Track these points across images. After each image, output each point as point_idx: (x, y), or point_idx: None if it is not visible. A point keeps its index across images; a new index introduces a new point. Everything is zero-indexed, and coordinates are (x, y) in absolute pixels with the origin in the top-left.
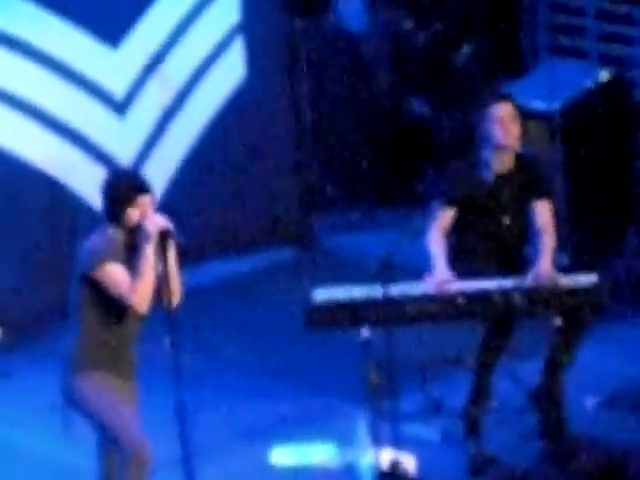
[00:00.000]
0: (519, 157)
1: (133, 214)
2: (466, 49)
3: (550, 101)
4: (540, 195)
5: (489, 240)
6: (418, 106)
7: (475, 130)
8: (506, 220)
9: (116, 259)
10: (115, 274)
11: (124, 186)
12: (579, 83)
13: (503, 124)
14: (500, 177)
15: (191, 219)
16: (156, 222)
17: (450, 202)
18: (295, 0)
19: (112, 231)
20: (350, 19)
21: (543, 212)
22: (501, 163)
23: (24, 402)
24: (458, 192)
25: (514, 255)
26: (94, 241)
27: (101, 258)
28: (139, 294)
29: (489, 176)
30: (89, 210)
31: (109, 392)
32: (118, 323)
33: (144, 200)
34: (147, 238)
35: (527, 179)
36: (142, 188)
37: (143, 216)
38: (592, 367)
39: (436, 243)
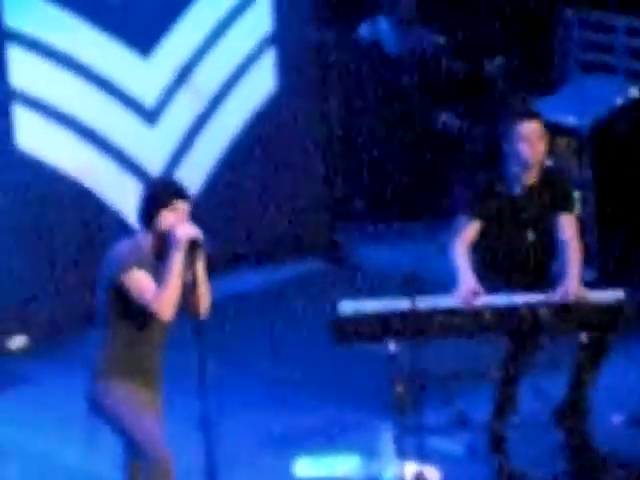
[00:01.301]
0: (546, 171)
1: (168, 218)
2: (499, 60)
3: (580, 117)
4: (565, 209)
5: (514, 255)
6: (448, 120)
7: (502, 144)
8: (531, 235)
9: (142, 266)
10: (140, 281)
11: (164, 188)
12: (609, 99)
13: (529, 142)
14: (526, 191)
15: (219, 229)
16: (186, 230)
17: (475, 215)
18: (327, 12)
19: (141, 237)
20: (381, 35)
21: (568, 226)
22: (527, 178)
23: (48, 409)
24: (483, 206)
25: (540, 270)
26: (121, 247)
27: (127, 264)
28: (163, 302)
29: (515, 190)
30: (118, 219)
31: (133, 401)
32: (144, 331)
33: (181, 205)
34: (176, 246)
35: (553, 193)
36: (181, 193)
37: (176, 222)
38: (619, 384)
39: (460, 256)
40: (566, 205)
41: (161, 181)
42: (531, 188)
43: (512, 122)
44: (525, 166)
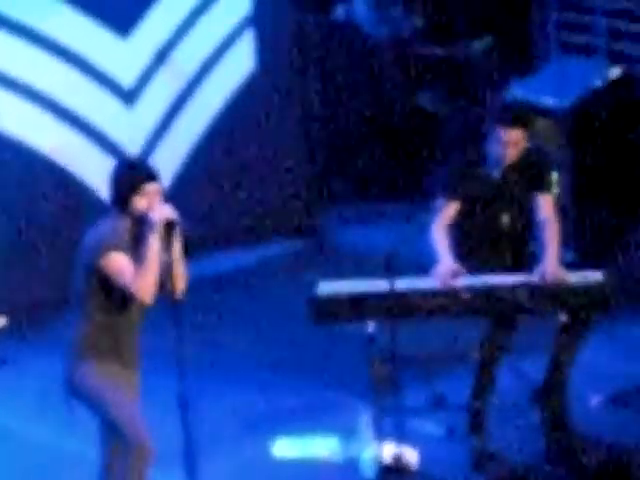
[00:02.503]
0: (525, 152)
1: (140, 202)
2: (478, 44)
3: (560, 98)
4: (543, 189)
5: (491, 236)
6: (426, 100)
7: (482, 125)
8: (505, 218)
9: (121, 248)
10: (119, 263)
11: (131, 174)
12: (589, 80)
13: (507, 147)
14: (504, 172)
15: (197, 210)
16: (162, 212)
17: (452, 196)
18: None
19: (118, 220)
20: (359, 17)
21: (546, 206)
22: (506, 159)
23: (26, 390)
24: (461, 186)
25: (517, 251)
26: (100, 229)
27: (106, 246)
28: (143, 284)
29: (494, 171)
30: (95, 198)
31: (111, 381)
32: (121, 312)
33: (151, 188)
34: (152, 228)
35: (531, 174)
36: (149, 176)
37: (150, 205)
38: (597, 365)
39: (439, 238)
40: (544, 185)
41: (127, 166)
42: (509, 169)
43: (498, 121)
44: (496, 161)
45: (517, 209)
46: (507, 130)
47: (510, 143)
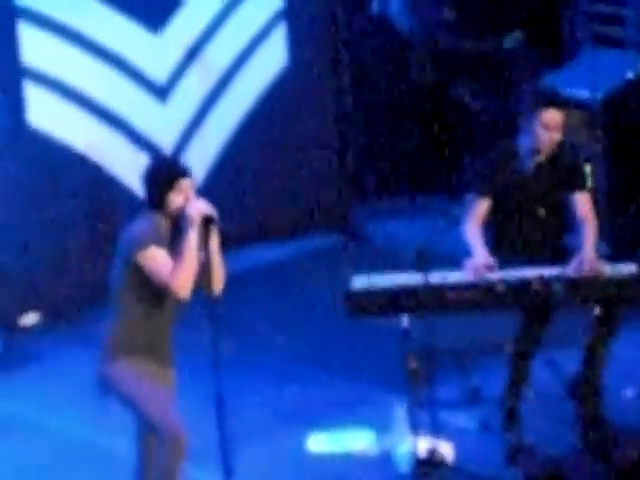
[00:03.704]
0: (559, 146)
1: (175, 199)
2: (511, 37)
3: (592, 90)
4: (579, 186)
5: (526, 231)
6: (460, 94)
7: (518, 119)
8: (541, 212)
9: (160, 244)
10: (157, 259)
11: (165, 171)
12: (620, 73)
13: (549, 130)
14: (538, 167)
15: (232, 205)
16: (199, 208)
17: (485, 193)
18: None
19: (155, 217)
20: (392, 11)
21: (584, 203)
22: (541, 154)
23: (60, 386)
24: (494, 183)
25: (553, 245)
26: (139, 225)
27: (145, 242)
28: (180, 280)
29: (527, 166)
30: (129, 195)
31: (145, 377)
32: (158, 308)
33: (185, 184)
34: (190, 223)
35: (566, 171)
36: (182, 172)
37: (186, 201)
38: (631, 357)
39: (473, 234)
40: (580, 183)
41: (160, 164)
42: (543, 164)
43: (536, 105)
44: (537, 150)
45: (551, 203)
46: (549, 113)
47: (551, 126)
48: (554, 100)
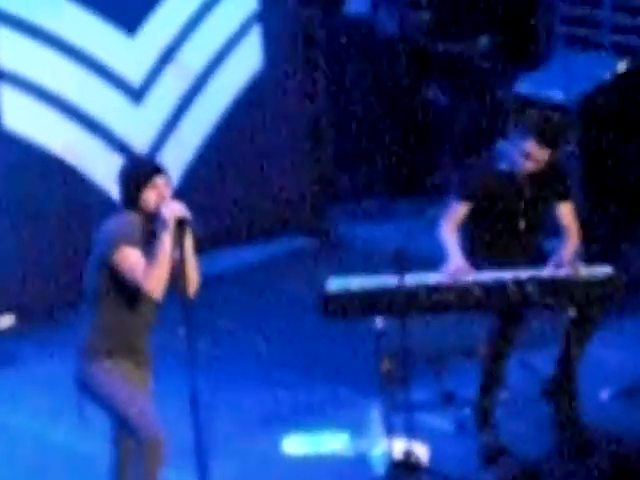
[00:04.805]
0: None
1: (149, 197)
2: (485, 39)
3: (567, 92)
4: (563, 197)
5: (505, 238)
6: (435, 95)
7: (489, 120)
8: (522, 224)
9: (134, 243)
10: (131, 258)
11: (140, 168)
12: (596, 74)
13: (530, 161)
14: (523, 177)
15: (206, 207)
16: (173, 209)
17: (466, 198)
18: None
19: (132, 215)
20: (367, 12)
21: (567, 213)
22: (523, 171)
23: (36, 389)
24: (476, 189)
25: (530, 250)
26: (113, 224)
27: (119, 241)
28: (154, 280)
29: (509, 174)
30: (105, 197)
31: (124, 380)
32: (133, 310)
33: (159, 181)
34: (164, 224)
35: (549, 178)
36: (157, 169)
37: (160, 200)
38: (606, 359)
39: (449, 237)
40: (564, 194)
41: (134, 162)
42: (528, 174)
43: (526, 135)
44: (513, 166)
45: (533, 213)
46: (538, 148)
47: (535, 159)
48: (550, 138)
